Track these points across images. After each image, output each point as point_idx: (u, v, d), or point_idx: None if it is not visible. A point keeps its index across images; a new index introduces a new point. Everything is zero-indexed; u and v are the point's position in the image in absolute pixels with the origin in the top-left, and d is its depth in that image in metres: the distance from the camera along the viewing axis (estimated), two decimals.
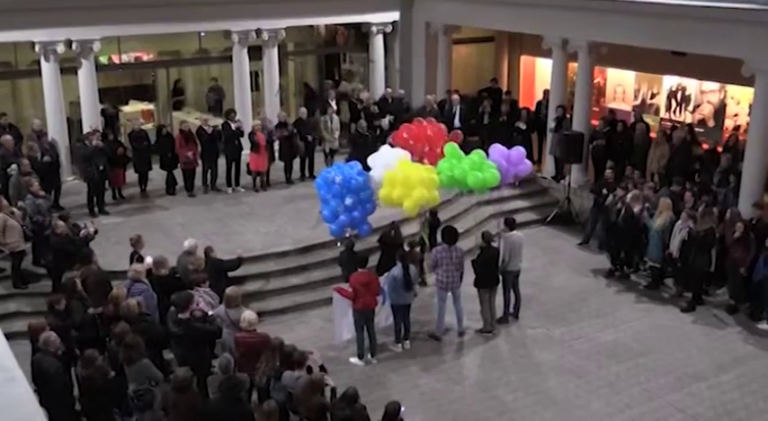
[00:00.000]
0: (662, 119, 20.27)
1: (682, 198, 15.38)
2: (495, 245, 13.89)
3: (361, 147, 18.29)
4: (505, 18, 20.26)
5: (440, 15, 21.90)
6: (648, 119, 19.79)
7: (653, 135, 18.55)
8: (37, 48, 18.34)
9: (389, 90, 22.23)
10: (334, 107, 21.09)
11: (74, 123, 19.83)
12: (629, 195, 15.56)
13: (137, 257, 12.99)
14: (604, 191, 16.63)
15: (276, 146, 19.78)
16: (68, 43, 18.51)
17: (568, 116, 19.17)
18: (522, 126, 20.01)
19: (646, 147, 18.03)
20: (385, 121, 20.19)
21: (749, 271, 14.15)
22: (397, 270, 12.92)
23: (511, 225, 14.28)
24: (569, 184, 18.84)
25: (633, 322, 14.39)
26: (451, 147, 14.59)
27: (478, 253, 13.85)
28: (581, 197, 18.63)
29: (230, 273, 13.41)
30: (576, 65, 19.06)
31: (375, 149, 15.38)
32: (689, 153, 17.34)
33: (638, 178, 16.69)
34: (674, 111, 20.27)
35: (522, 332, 14.15)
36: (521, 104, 21.77)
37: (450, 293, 13.64)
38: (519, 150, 15.39)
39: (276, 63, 21.44)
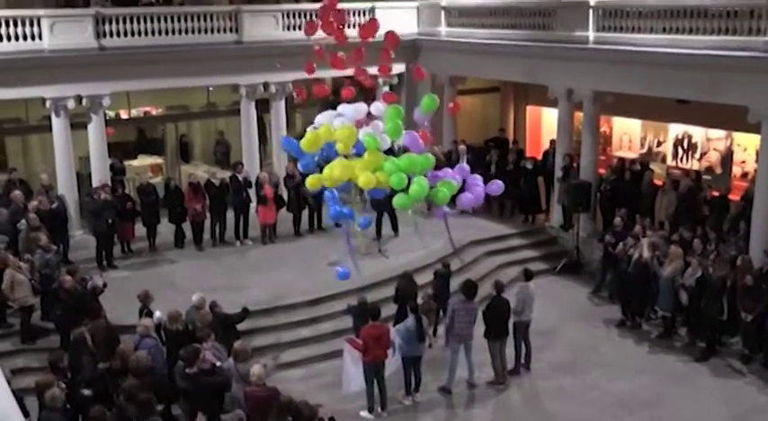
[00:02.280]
0: (669, 167, 20.29)
1: (691, 245, 15.31)
2: (504, 295, 13.82)
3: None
4: (510, 69, 20.46)
5: (445, 67, 22.12)
6: (655, 167, 19.83)
7: (660, 183, 18.55)
8: (48, 104, 18.56)
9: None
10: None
11: (83, 178, 19.96)
12: (644, 244, 15.48)
13: (146, 312, 12.95)
14: (613, 239, 16.58)
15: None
16: (78, 99, 18.73)
17: (575, 165, 19.21)
18: (529, 165, 20.10)
19: (653, 195, 18.03)
20: None
21: (762, 320, 14.01)
22: (410, 321, 12.83)
23: (529, 276, 14.22)
24: (578, 233, 18.79)
25: (646, 372, 14.21)
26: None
27: (488, 303, 13.75)
28: (590, 246, 18.57)
29: (238, 326, 13.33)
30: (581, 114, 19.16)
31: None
32: (696, 200, 17.31)
33: (648, 226, 16.64)
34: (681, 159, 20.31)
35: (534, 383, 13.99)
36: (527, 154, 21.84)
37: (462, 345, 13.51)
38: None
39: (284, 116, 21.61)
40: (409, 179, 11.90)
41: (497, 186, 12.65)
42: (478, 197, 12.62)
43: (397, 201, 12.03)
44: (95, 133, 19.29)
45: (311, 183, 12.60)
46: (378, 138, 12.30)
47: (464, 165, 13.14)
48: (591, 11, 17.88)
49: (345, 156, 12.45)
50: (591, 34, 17.94)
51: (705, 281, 14.42)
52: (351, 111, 13.11)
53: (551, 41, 18.76)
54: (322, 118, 13.22)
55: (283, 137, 14.28)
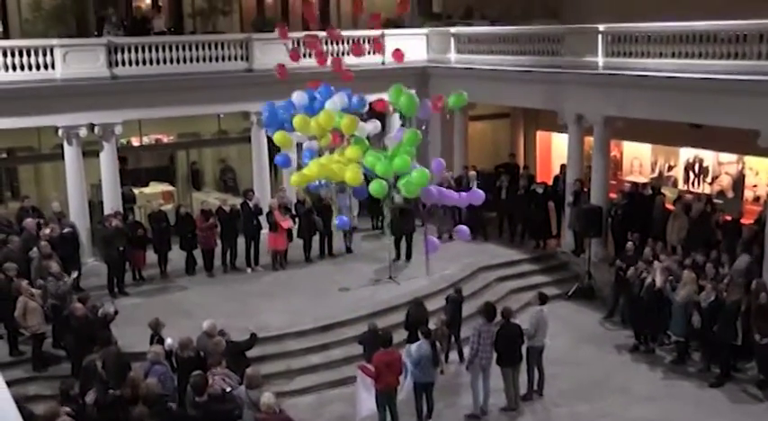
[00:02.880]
0: (680, 191, 20.23)
1: (704, 270, 15.22)
2: (514, 321, 13.74)
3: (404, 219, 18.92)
4: (520, 95, 20.52)
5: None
6: (667, 191, 19.78)
7: (671, 207, 18.49)
8: (60, 132, 18.70)
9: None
10: None
11: (95, 205, 20.04)
12: (657, 268, 15.39)
13: (157, 339, 12.94)
14: (625, 264, 16.50)
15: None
16: (91, 127, 18.86)
17: (586, 190, 19.18)
18: (540, 190, 20.10)
19: (665, 220, 17.96)
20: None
21: None
22: (423, 345, 12.75)
23: (544, 300, 14.16)
24: (589, 258, 18.72)
25: (660, 398, 14.07)
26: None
27: (498, 330, 13.64)
28: (602, 271, 18.48)
29: (248, 353, 13.28)
30: (591, 139, 19.16)
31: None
32: (708, 224, 17.23)
33: (661, 250, 16.57)
34: (693, 183, 20.26)
35: (547, 409, 13.87)
36: (538, 179, 21.83)
37: (482, 370, 13.44)
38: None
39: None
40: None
41: (463, 233, 12.81)
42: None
43: (374, 186, 12.12)
44: (107, 161, 19.40)
45: (294, 180, 12.83)
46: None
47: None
48: (600, 36, 17.94)
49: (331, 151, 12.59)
50: (600, 60, 17.99)
51: (719, 305, 14.31)
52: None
53: (561, 67, 18.82)
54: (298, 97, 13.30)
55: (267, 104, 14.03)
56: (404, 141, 13.41)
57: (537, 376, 14.16)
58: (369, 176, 13.64)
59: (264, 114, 16.48)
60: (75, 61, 18.36)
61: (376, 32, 21.77)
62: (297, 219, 19.58)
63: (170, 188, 22.62)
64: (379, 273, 18.59)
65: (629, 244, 16.86)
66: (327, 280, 18.34)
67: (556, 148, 23.61)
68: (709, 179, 19.92)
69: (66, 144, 18.87)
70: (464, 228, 12.28)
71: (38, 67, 18.01)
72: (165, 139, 22.20)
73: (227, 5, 21.64)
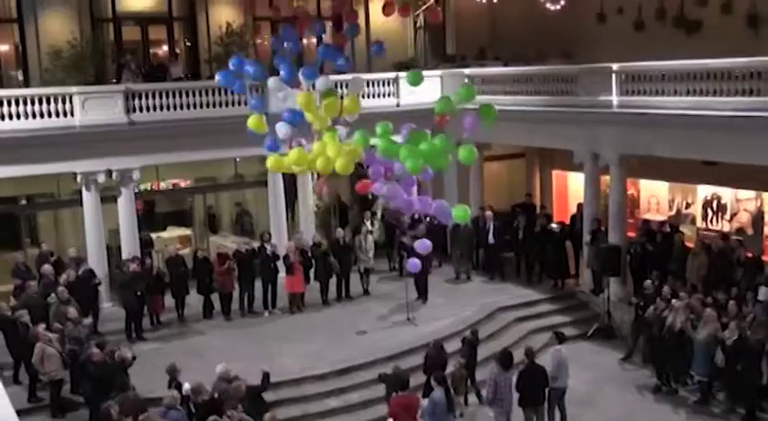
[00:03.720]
0: (699, 228, 20.11)
1: (726, 308, 15.05)
2: (538, 362, 13.60)
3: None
4: (535, 135, 20.55)
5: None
6: (685, 229, 19.66)
7: (691, 245, 18.36)
8: (79, 178, 18.86)
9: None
10: (369, 227, 21.22)
11: (113, 250, 20.12)
12: (678, 307, 15.23)
13: (174, 384, 12.89)
14: (644, 303, 16.35)
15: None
16: (109, 173, 19.01)
17: (603, 229, 19.10)
18: (557, 229, 20.07)
19: (684, 258, 17.82)
20: (422, 227, 20.05)
21: None
22: (437, 393, 12.62)
23: (562, 339, 14.02)
24: (609, 298, 18.55)
25: None
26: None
27: (522, 370, 13.50)
28: (621, 310, 18.30)
29: (266, 397, 13.19)
30: (608, 177, 19.12)
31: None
32: (729, 261, 17.08)
33: (681, 288, 16.41)
34: (711, 221, 20.14)
35: None
36: (555, 218, 21.77)
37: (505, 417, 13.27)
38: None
39: (310, 185, 21.76)
40: None
41: (424, 245, 12.53)
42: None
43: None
44: (125, 206, 19.53)
45: (270, 164, 12.60)
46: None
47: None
48: (614, 75, 17.99)
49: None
50: (614, 98, 18.02)
51: (742, 343, 14.11)
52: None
53: (575, 106, 18.86)
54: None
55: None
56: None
57: (559, 417, 13.96)
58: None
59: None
60: (94, 108, 18.57)
61: (390, 75, 21.99)
62: (313, 262, 19.56)
63: (187, 232, 22.71)
64: (396, 315, 18.50)
65: (648, 282, 16.72)
66: (345, 322, 18.27)
67: (572, 188, 23.57)
68: (727, 216, 19.79)
69: (84, 190, 19.02)
70: (415, 261, 12.30)
71: (57, 115, 18.24)
72: (183, 184, 22.33)
73: (243, 51, 21.86)
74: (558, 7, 24.70)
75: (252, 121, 12.28)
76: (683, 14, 21.83)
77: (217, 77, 12.21)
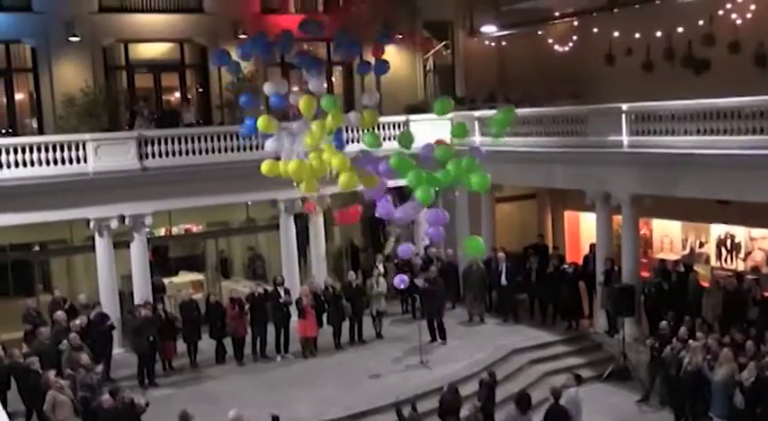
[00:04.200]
0: (713, 268, 19.98)
1: (743, 347, 14.88)
2: (563, 403, 13.43)
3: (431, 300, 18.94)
4: (546, 176, 20.56)
5: None
6: (699, 268, 19.53)
7: (705, 284, 18.22)
8: (92, 224, 18.95)
9: (433, 250, 22.35)
10: (381, 270, 21.18)
11: (125, 296, 20.12)
12: (695, 347, 15.06)
13: None
14: (659, 343, 16.19)
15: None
16: (121, 219, 19.10)
17: (617, 269, 18.99)
18: (570, 270, 19.96)
19: (699, 297, 17.68)
20: (419, 281, 20.03)
21: None
22: None
23: (580, 380, 13.87)
24: (624, 339, 18.37)
25: None
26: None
27: (547, 410, 13.32)
28: (637, 351, 18.11)
29: None
30: (620, 217, 19.07)
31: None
32: (745, 301, 16.93)
33: (698, 328, 16.25)
34: (725, 260, 20.01)
35: None
36: (568, 259, 21.68)
37: None
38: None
39: (322, 229, 21.82)
40: None
41: (400, 280, 12.54)
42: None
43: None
44: (137, 252, 19.58)
45: (264, 168, 12.69)
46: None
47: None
48: (623, 116, 18.04)
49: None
50: (625, 138, 18.05)
51: (761, 384, 13.91)
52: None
53: (585, 147, 18.88)
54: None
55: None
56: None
57: None
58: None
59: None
60: (107, 154, 18.74)
61: (400, 118, 22.13)
62: (326, 306, 19.50)
63: (199, 277, 22.72)
64: (409, 358, 18.37)
65: (663, 323, 16.57)
66: (358, 366, 18.14)
67: (584, 228, 23.51)
68: (742, 255, 19.67)
69: (97, 236, 19.09)
70: (402, 277, 12.17)
71: (70, 162, 18.40)
72: (195, 229, 22.40)
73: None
74: (567, 49, 24.95)
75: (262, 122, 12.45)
76: (691, 54, 22.00)
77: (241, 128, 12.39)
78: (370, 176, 12.27)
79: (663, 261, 19.97)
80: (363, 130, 11.71)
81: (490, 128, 12.22)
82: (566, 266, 20.30)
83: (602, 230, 19.46)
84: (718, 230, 20.23)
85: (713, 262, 20.31)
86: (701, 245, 20.74)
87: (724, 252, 20.15)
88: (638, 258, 19.07)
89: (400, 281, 12.37)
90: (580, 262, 21.27)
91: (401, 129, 21.95)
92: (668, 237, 21.59)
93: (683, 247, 21.13)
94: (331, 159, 11.98)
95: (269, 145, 13.62)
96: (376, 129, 11.94)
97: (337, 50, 15.04)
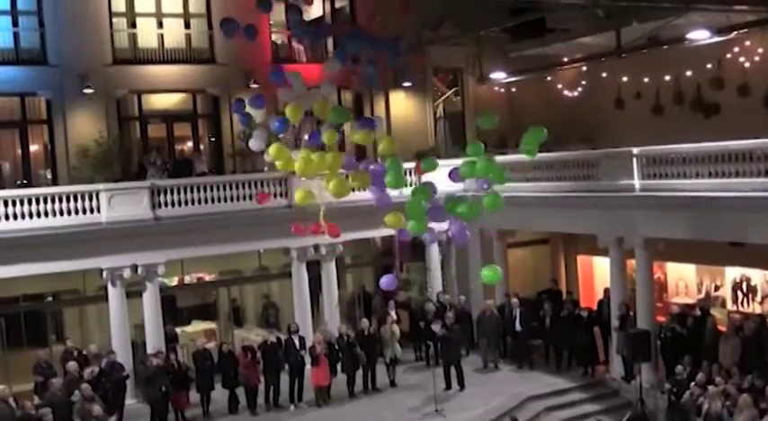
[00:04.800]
0: (729, 311, 19.78)
1: (762, 393, 14.65)
2: None
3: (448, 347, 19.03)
4: (558, 220, 20.52)
5: (493, 221, 22.15)
6: (715, 312, 19.34)
7: (722, 328, 18.02)
8: (104, 274, 19.00)
9: (447, 297, 22.26)
10: (394, 317, 21.08)
11: (138, 346, 20.06)
12: (714, 393, 14.85)
13: None
14: (677, 389, 15.97)
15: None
16: (134, 268, 19.14)
17: (632, 313, 18.83)
18: (584, 315, 19.82)
19: (716, 342, 17.47)
20: (437, 327, 19.93)
21: None
22: None
23: None
24: (641, 384, 18.11)
25: None
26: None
27: None
28: (654, 397, 17.84)
29: None
30: (634, 261, 18.96)
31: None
32: (763, 345, 16.71)
33: (716, 373, 16.03)
34: (742, 303, 19.81)
35: None
36: (582, 304, 21.51)
37: None
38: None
39: (335, 276, 21.79)
40: None
41: (389, 281, 12.26)
42: None
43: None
44: (150, 301, 19.57)
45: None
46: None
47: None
48: (635, 159, 18.04)
49: None
50: (636, 182, 18.03)
51: None
52: None
53: (597, 191, 18.86)
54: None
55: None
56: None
57: None
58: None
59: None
60: (120, 204, 18.86)
61: (410, 165, 22.17)
62: (340, 354, 19.38)
63: (212, 326, 22.64)
64: (425, 407, 18.18)
65: (679, 367, 16.38)
66: (372, 416, 17.96)
67: (598, 272, 23.36)
68: (758, 298, 19.47)
69: (110, 285, 19.13)
70: (387, 279, 11.96)
71: (84, 212, 18.53)
72: (207, 277, 22.40)
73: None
74: (576, 93, 25.09)
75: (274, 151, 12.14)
76: (700, 98, 22.08)
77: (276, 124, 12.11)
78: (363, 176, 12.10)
79: (677, 305, 19.78)
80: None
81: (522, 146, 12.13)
82: (580, 311, 20.15)
83: (616, 275, 19.34)
84: (733, 273, 20.06)
85: (729, 305, 20.10)
86: (717, 288, 20.55)
87: (740, 295, 19.95)
88: (653, 302, 18.90)
89: (387, 283, 12.08)
90: (594, 307, 21.09)
91: (411, 175, 22.00)
92: (683, 280, 21.41)
93: (699, 291, 20.94)
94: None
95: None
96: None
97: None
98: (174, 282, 21.67)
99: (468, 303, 22.30)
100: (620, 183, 18.28)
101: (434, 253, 23.20)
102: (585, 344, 19.91)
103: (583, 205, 19.34)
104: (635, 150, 18.12)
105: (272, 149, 12.02)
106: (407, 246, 24.23)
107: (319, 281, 21.97)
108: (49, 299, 20.63)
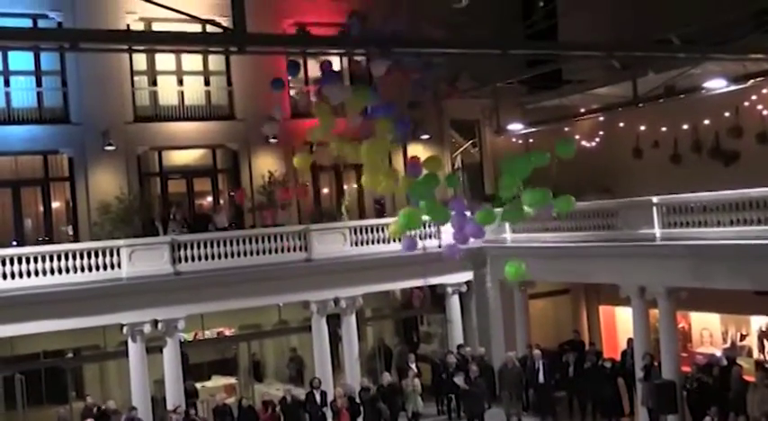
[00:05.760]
0: (756, 360, 19.45)
1: None
2: None
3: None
4: (579, 271, 20.38)
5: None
6: (742, 361, 19.02)
7: (749, 378, 17.70)
8: (125, 330, 19.00)
9: (468, 349, 22.06)
10: (415, 370, 20.89)
11: (158, 401, 19.94)
12: None
13: None
14: None
15: None
16: (154, 323, 19.15)
17: (656, 364, 18.55)
18: (608, 365, 19.55)
19: (744, 392, 17.13)
20: (459, 380, 19.73)
21: None
22: None
23: None
24: None
25: None
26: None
27: None
28: None
29: None
30: (657, 311, 18.75)
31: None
32: None
33: None
34: None
35: None
36: (605, 355, 21.23)
37: None
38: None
39: (355, 329, 21.68)
40: None
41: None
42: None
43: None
44: (170, 356, 19.51)
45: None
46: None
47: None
48: (654, 208, 17.98)
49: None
50: (657, 231, 17.93)
51: None
52: None
53: (618, 240, 18.76)
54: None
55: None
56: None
57: None
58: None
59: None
60: (141, 260, 18.96)
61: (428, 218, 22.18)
62: (361, 408, 19.17)
63: (232, 381, 22.50)
64: None
65: (707, 419, 16.03)
66: None
67: (621, 322, 23.10)
68: None
69: (130, 341, 19.12)
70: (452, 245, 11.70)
71: (105, 268, 18.65)
72: (227, 332, 22.34)
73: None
74: (594, 143, 25.10)
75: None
76: (719, 146, 22.04)
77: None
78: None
79: (702, 355, 19.48)
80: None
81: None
82: (604, 362, 19.88)
83: (639, 324, 19.11)
84: (758, 322, 19.78)
85: (756, 355, 19.77)
86: (743, 337, 20.24)
87: (767, 344, 19.62)
88: (677, 352, 18.64)
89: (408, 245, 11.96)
90: (618, 357, 20.82)
91: (430, 228, 21.96)
92: (707, 329, 21.12)
93: (724, 340, 20.63)
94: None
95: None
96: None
97: None
98: (194, 336, 21.62)
99: (490, 355, 22.08)
100: (640, 233, 18.19)
101: (455, 305, 23.05)
102: (610, 395, 19.59)
103: (604, 255, 19.23)
104: (655, 199, 18.06)
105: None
106: (427, 297, 24.17)
107: (339, 334, 21.86)
108: (70, 355, 20.60)
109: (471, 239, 11.75)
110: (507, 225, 22.47)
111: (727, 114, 21.45)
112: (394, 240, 21.03)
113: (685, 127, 22.57)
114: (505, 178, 12.00)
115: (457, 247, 11.95)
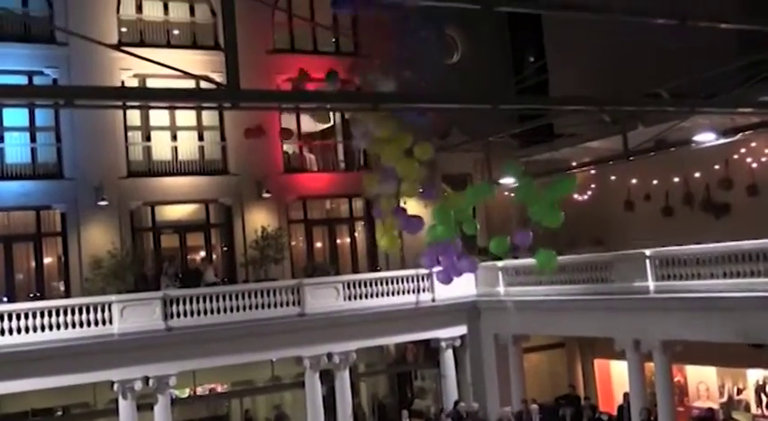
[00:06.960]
0: (754, 415, 19.27)
1: None
2: None
3: None
4: (573, 324, 20.29)
5: (507, 326, 22.01)
6: (739, 416, 18.84)
7: None
8: (116, 387, 18.75)
9: (462, 404, 21.81)
10: None
11: None
12: None
13: None
14: None
15: None
16: (146, 380, 18.90)
17: (653, 418, 18.35)
18: (604, 418, 19.38)
19: None
20: None
21: None
22: None
23: None
24: None
25: None
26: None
27: None
28: None
29: None
30: (652, 364, 18.62)
31: None
32: None
33: None
34: (766, 406, 19.30)
35: None
36: (601, 409, 21.03)
37: None
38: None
39: (348, 385, 21.43)
40: None
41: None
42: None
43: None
44: (161, 414, 19.22)
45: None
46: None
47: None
48: (648, 261, 17.99)
49: None
50: (651, 284, 17.91)
51: None
52: None
53: (612, 294, 18.73)
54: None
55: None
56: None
57: None
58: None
59: None
60: (132, 315, 18.80)
61: (425, 271, 22.15)
62: None
63: None
64: None
65: None
66: None
67: (616, 376, 22.91)
68: None
69: (120, 398, 18.84)
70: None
71: (96, 324, 18.47)
72: (220, 388, 22.07)
73: (278, 253, 22.36)
74: (586, 197, 25.20)
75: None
76: (710, 198, 22.15)
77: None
78: None
79: (699, 409, 19.31)
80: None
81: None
82: (600, 416, 19.69)
83: (635, 378, 18.96)
84: (755, 375, 19.63)
85: (753, 409, 19.58)
86: (740, 391, 20.07)
87: (764, 398, 19.45)
88: (674, 407, 18.47)
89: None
90: (613, 411, 20.61)
91: (425, 281, 21.93)
92: (704, 383, 20.94)
93: (721, 394, 20.45)
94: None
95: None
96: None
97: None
98: (186, 393, 21.34)
99: (485, 410, 21.83)
100: (634, 286, 18.16)
101: (449, 359, 22.85)
102: None
103: (597, 308, 19.17)
104: (647, 252, 18.07)
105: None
106: (420, 352, 23.99)
107: (333, 390, 21.60)
108: (59, 413, 20.28)
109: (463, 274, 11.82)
110: (500, 278, 22.44)
111: (717, 167, 21.62)
112: (389, 295, 21.15)
113: (676, 179, 22.71)
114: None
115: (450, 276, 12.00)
